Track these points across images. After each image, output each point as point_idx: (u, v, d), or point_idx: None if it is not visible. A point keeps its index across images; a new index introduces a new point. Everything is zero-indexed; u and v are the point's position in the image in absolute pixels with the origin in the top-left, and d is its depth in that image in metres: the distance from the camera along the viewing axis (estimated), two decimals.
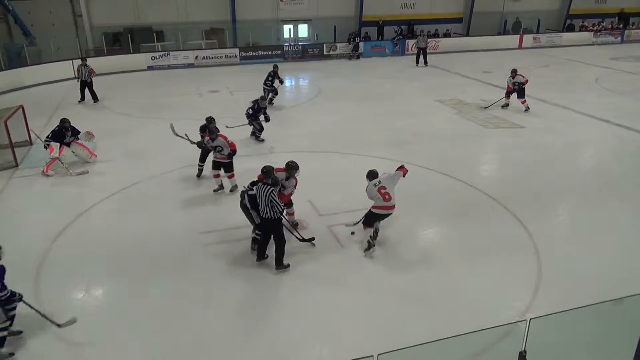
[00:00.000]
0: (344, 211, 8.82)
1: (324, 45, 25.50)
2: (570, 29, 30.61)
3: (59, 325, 5.86)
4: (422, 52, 23.08)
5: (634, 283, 6.50)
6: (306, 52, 25.19)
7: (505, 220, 8.54)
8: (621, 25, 31.56)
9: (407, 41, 26.58)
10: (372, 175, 7.87)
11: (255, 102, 12.58)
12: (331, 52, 25.44)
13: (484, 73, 21.15)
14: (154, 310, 6.35)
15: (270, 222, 6.96)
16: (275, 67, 16.14)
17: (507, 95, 15.32)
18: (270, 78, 15.88)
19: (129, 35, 23.07)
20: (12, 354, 5.65)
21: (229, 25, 25.60)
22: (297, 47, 25.34)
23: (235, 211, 8.65)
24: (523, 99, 15.11)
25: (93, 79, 16.69)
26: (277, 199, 6.87)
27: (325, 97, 17.61)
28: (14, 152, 11.07)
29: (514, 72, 15.16)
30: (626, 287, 6.10)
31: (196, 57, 23.43)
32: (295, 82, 21.85)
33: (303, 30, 27.76)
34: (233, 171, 9.71)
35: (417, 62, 23.25)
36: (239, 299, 6.62)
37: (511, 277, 6.96)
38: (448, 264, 7.32)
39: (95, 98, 16.82)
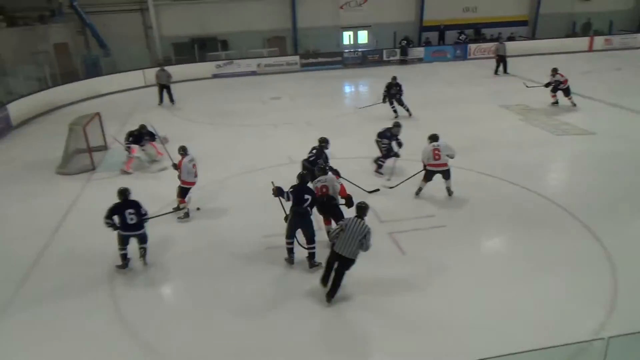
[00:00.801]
0: (406, 218, 8.76)
1: (384, 51, 25.41)
2: None
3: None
4: (502, 60, 21.37)
5: None
6: (366, 59, 25.21)
7: (577, 232, 8.14)
8: None
9: (469, 45, 25.97)
10: (433, 138, 9.45)
11: (388, 130, 11.07)
12: (391, 58, 25.30)
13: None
14: (220, 306, 6.58)
15: (346, 260, 6.42)
16: (394, 78, 15.61)
17: (552, 90, 15.61)
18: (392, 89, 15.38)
19: (196, 45, 24.00)
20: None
21: (290, 33, 26.10)
22: (356, 54, 25.40)
23: None
24: (569, 97, 15.45)
25: (170, 83, 18.01)
26: (371, 240, 6.42)
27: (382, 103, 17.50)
28: (91, 156, 11.81)
29: (554, 71, 15.54)
30: None
31: (258, 64, 24.03)
32: (355, 88, 21.90)
33: (363, 36, 27.82)
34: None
35: (497, 71, 21.40)
36: (299, 303, 6.71)
37: (584, 293, 6.61)
38: (513, 277, 7.06)
39: (172, 100, 18.11)
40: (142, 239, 7.54)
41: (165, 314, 6.66)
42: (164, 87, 18.06)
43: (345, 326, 6.25)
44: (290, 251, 7.53)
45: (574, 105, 15.43)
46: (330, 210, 7.88)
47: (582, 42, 27.00)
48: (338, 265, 6.49)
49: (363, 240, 6.30)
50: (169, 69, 18.79)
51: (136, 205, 7.38)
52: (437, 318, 6.21)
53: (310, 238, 7.42)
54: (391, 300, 6.63)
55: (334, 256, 6.50)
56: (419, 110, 15.87)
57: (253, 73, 23.84)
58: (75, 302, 6.85)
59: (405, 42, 25.66)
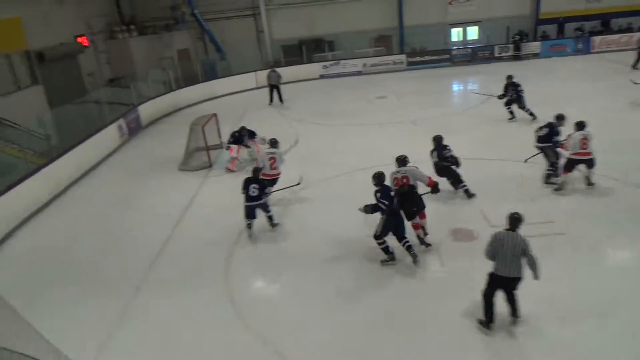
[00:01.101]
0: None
1: (495, 47, 24.23)
2: None
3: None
4: None
5: None
6: (475, 55, 24.23)
7: None
8: None
9: (592, 38, 23.87)
10: (581, 125, 9.19)
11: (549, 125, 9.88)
12: (503, 54, 24.05)
13: None
14: (324, 303, 6.75)
15: (514, 280, 5.81)
16: (509, 77, 14.60)
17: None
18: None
19: (303, 47, 24.72)
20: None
21: (396, 32, 25.89)
22: (465, 51, 24.50)
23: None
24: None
25: (280, 83, 18.92)
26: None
27: (495, 102, 16.68)
28: (209, 154, 12.68)
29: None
30: None
31: (364, 64, 24.15)
32: (464, 86, 21.14)
33: (472, 32, 26.78)
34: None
35: (636, 64, 19.44)
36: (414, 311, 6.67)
37: None
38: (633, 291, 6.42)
39: (282, 100, 19.05)
40: (264, 208, 8.88)
41: (274, 302, 7.00)
42: (274, 87, 18.89)
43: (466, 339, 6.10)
44: (387, 249, 7.53)
45: None
46: (414, 200, 7.85)
47: None
48: (507, 290, 5.87)
49: (526, 252, 5.73)
50: (279, 70, 19.59)
51: (260, 182, 8.79)
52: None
53: (402, 235, 7.43)
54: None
55: (497, 283, 5.83)
56: (537, 109, 14.90)
57: (359, 73, 24.01)
58: (193, 288, 7.43)
59: (518, 36, 24.23)
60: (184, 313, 6.87)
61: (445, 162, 9.39)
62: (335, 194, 10.36)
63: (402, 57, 24.34)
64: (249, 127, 12.43)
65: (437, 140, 9.60)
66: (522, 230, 7.82)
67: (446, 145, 9.53)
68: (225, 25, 26.49)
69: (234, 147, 12.29)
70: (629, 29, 24.38)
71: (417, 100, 18.06)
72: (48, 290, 7.74)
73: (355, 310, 6.59)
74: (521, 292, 5.92)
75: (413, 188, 7.89)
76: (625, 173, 9.78)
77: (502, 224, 8.19)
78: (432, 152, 9.60)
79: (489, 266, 5.97)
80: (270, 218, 9.03)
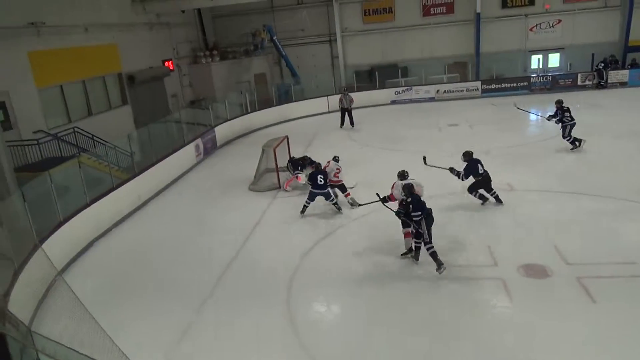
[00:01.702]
0: (598, 262, 7.80)
1: (579, 74, 23.10)
2: None
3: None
4: None
5: None
6: (556, 83, 23.19)
7: None
8: None
9: None
10: None
11: None
12: (587, 82, 22.87)
13: None
14: (380, 333, 6.64)
15: None
16: (559, 102, 14.17)
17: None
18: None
19: (376, 73, 24.89)
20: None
21: (472, 59, 25.44)
22: (545, 78, 23.57)
23: (471, 248, 8.52)
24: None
25: (352, 107, 19.17)
26: None
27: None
28: (278, 176, 13.00)
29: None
30: None
31: (437, 90, 23.87)
32: (542, 114, 20.25)
33: (554, 59, 25.74)
34: None
35: None
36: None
37: None
38: None
39: (352, 123, 19.26)
40: (327, 197, 10.70)
41: (334, 325, 6.98)
42: (345, 110, 19.14)
43: None
44: (418, 250, 8.17)
45: None
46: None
47: None
48: None
49: None
50: (352, 94, 19.83)
51: (325, 174, 10.68)
52: None
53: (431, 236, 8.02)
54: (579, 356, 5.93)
55: None
56: (616, 142, 14.02)
57: (431, 99, 23.75)
58: (256, 306, 7.58)
59: (602, 64, 22.98)
60: (246, 332, 7.01)
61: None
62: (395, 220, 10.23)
63: (477, 84, 23.80)
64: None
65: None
66: (602, 269, 7.35)
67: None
68: (301, 50, 27.33)
69: (301, 175, 12.46)
70: None
71: (491, 129, 17.55)
72: (122, 299, 8.21)
73: (415, 342, 6.42)
74: None
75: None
76: None
77: (577, 261, 7.84)
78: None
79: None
80: (335, 204, 10.82)
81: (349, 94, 19.63)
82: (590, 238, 8.66)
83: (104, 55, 17.64)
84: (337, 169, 11.22)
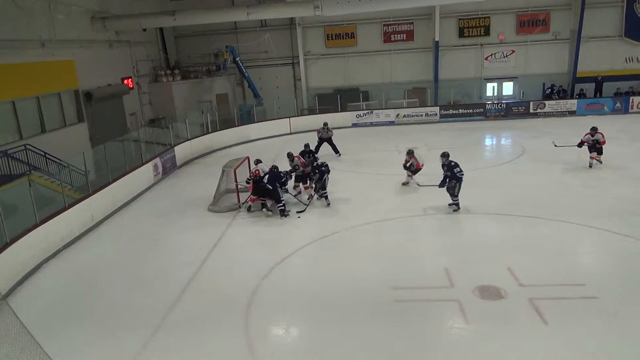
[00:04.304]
0: (550, 284, 8.02)
1: (531, 103, 24.15)
2: None
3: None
4: None
5: None
6: (510, 111, 24.15)
7: None
8: None
9: (631, 98, 23.53)
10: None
11: None
12: (538, 110, 23.92)
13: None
14: (339, 356, 6.57)
15: None
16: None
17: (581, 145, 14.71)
18: None
19: (338, 96, 25.24)
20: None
21: (431, 85, 26.21)
22: (500, 106, 24.51)
23: (428, 270, 8.63)
24: (596, 155, 14.54)
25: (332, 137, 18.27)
26: None
27: (530, 158, 16.52)
28: (238, 197, 12.88)
29: (594, 130, 14.44)
30: None
31: (397, 115, 24.40)
32: (497, 141, 21.02)
33: (508, 87, 26.84)
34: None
35: None
36: None
37: None
38: None
39: (338, 152, 18.28)
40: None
41: (292, 350, 6.86)
42: (324, 140, 18.21)
43: None
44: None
45: (590, 166, 14.51)
46: None
47: None
48: None
49: None
50: (313, 117, 19.81)
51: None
52: None
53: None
54: None
55: None
56: (568, 167, 14.65)
57: (391, 123, 24.23)
58: (213, 330, 7.39)
59: (549, 90, 24.30)
60: (202, 356, 6.81)
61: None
62: (362, 242, 10.31)
63: (436, 109, 24.50)
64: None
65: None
66: (553, 290, 7.58)
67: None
68: (264, 72, 27.45)
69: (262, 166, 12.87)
70: None
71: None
72: (70, 324, 7.83)
73: None
74: None
75: None
76: None
77: (530, 282, 8.06)
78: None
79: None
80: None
81: (327, 124, 18.48)
82: (543, 260, 8.92)
83: (60, 72, 17.15)
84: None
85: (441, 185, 11.77)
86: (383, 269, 8.97)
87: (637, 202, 11.46)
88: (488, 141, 21.10)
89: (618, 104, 23.50)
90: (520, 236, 10.10)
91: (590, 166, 14.50)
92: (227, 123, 22.08)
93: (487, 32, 26.20)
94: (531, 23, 25.81)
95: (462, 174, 11.44)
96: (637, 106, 23.08)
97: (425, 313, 7.49)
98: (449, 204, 11.58)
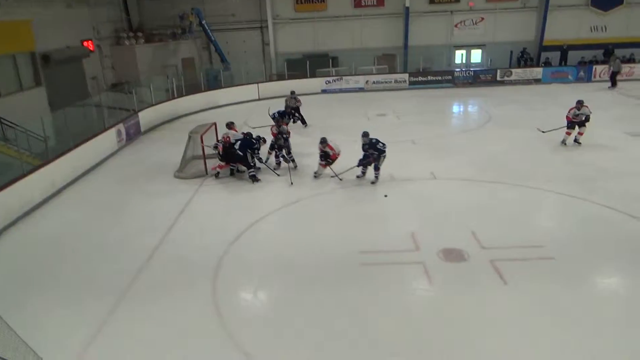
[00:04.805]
0: (510, 246, 8.28)
1: (498, 70, 24.39)
2: None
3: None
4: (614, 75, 22.12)
5: None
6: (478, 78, 24.37)
7: None
8: None
9: (594, 67, 24.04)
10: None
11: None
12: (505, 78, 24.20)
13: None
14: (306, 318, 6.69)
15: None
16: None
17: (570, 126, 13.63)
18: None
19: (307, 61, 24.90)
20: None
21: (400, 51, 26.09)
22: (468, 73, 24.68)
23: (395, 235, 8.75)
24: (579, 130, 13.61)
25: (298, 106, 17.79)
26: None
27: (495, 124, 16.79)
28: (205, 163, 12.69)
29: (579, 104, 13.45)
30: None
31: (367, 81, 24.29)
32: (464, 108, 21.24)
33: (476, 55, 27.00)
34: None
35: (613, 85, 22.10)
36: (387, 322, 6.61)
37: None
38: (625, 324, 6.36)
39: (305, 123, 17.87)
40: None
41: (260, 314, 6.93)
42: (293, 109, 17.78)
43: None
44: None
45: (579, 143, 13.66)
46: None
47: None
48: None
49: None
50: (281, 83, 19.55)
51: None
52: (531, 354, 5.78)
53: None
54: (490, 334, 6.28)
55: None
56: (531, 134, 14.94)
57: (361, 89, 24.14)
58: (180, 296, 7.37)
59: (521, 54, 25.34)
60: (169, 322, 6.79)
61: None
62: (330, 208, 10.37)
63: (405, 76, 24.49)
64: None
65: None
66: (513, 252, 7.84)
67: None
68: (231, 36, 26.75)
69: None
70: (630, 60, 24.56)
71: (417, 120, 18.13)
72: (34, 292, 7.68)
73: (338, 323, 6.51)
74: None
75: None
76: (623, 203, 9.74)
77: (491, 245, 8.30)
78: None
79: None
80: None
81: (295, 94, 18.06)
82: (505, 224, 9.19)
83: (15, 32, 16.22)
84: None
85: (359, 163, 11.49)
86: (350, 234, 9.06)
87: (597, 168, 11.85)
88: (456, 108, 21.32)
89: (582, 73, 23.99)
90: (484, 201, 10.34)
91: (564, 143, 13.70)
92: (193, 88, 21.54)
93: None
94: None
95: (385, 146, 11.16)
96: (600, 75, 23.58)
97: (390, 275, 7.64)
98: (372, 182, 11.45)
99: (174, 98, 20.19)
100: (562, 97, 20.91)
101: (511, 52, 25.54)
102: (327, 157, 11.79)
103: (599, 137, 14.27)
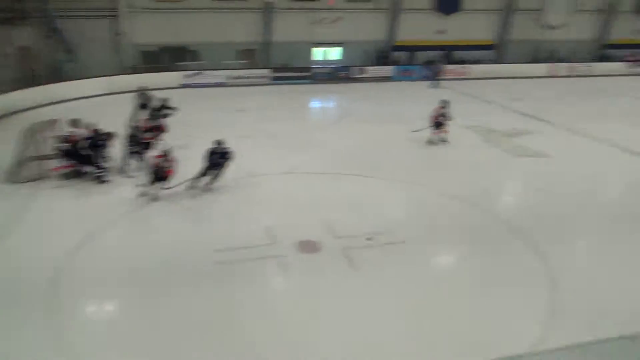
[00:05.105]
0: (362, 234, 8.77)
1: (354, 68, 25.68)
2: (605, 59, 29.88)
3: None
4: (435, 76, 24.31)
5: None
6: (336, 75, 25.42)
7: (523, 250, 8.36)
8: None
9: (438, 66, 26.51)
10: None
11: None
12: (360, 76, 25.59)
13: (513, 100, 20.81)
14: (159, 326, 6.41)
15: None
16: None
17: (437, 126, 14.17)
18: None
19: (166, 55, 23.74)
20: None
21: (262, 46, 26.13)
22: (327, 70, 25.61)
23: (250, 230, 8.76)
24: (441, 129, 14.27)
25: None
26: None
27: (352, 120, 17.66)
28: (44, 164, 11.44)
29: (444, 102, 14.34)
30: None
31: (228, 76, 23.93)
32: (323, 103, 22.02)
33: (335, 53, 28.06)
34: None
35: (431, 85, 23.99)
36: (245, 316, 6.62)
37: (524, 308, 6.80)
38: (457, 294, 7.19)
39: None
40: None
41: (102, 328, 6.47)
42: (143, 106, 16.97)
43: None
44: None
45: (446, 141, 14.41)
46: None
47: (544, 68, 27.94)
48: None
49: None
50: (136, 77, 18.35)
51: None
52: (373, 338, 6.22)
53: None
54: (342, 322, 6.61)
55: None
56: (381, 127, 15.99)
57: (222, 84, 23.72)
58: (14, 309, 6.58)
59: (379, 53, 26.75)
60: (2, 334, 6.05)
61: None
62: (182, 210, 10.03)
63: (266, 71, 24.61)
64: None
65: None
66: (360, 241, 8.23)
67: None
68: (79, 24, 24.38)
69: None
70: (463, 62, 27.59)
71: (277, 115, 18.31)
72: None
73: (199, 325, 6.35)
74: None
75: None
76: (452, 188, 10.88)
77: (344, 234, 8.73)
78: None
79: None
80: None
81: (146, 91, 16.26)
82: (358, 213, 9.73)
83: None
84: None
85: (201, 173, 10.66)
86: (204, 234, 8.90)
87: (435, 158, 13.11)
88: (315, 104, 22.00)
89: (427, 72, 26.20)
90: (339, 192, 10.82)
91: (432, 142, 14.22)
92: (33, 80, 19.30)
93: None
94: None
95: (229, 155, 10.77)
96: (440, 74, 26.03)
97: (246, 271, 7.66)
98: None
99: (7, 92, 17.88)
100: (410, 93, 22.78)
101: (367, 51, 26.99)
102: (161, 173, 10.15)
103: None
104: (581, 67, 28.39)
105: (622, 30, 30.43)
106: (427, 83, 24.06)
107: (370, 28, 27.63)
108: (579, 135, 15.60)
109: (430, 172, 12.04)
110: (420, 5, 27.64)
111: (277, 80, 24.47)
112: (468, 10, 27.92)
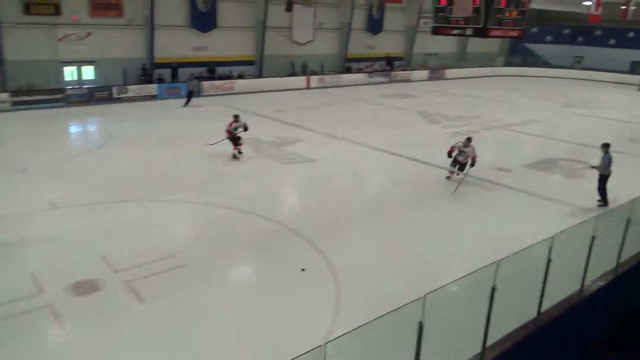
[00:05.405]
0: (144, 263, 8.27)
1: (114, 87, 24.00)
2: (348, 70, 34.46)
3: None
4: (191, 94, 23.62)
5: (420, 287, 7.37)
6: (93, 96, 23.34)
7: (304, 249, 9.00)
8: (388, 67, 36.66)
9: (202, 83, 26.65)
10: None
11: None
12: (122, 95, 24.07)
13: (278, 111, 22.31)
14: None
15: None
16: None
17: (235, 143, 14.53)
18: None
19: None
20: None
21: None
22: (82, 90, 23.33)
23: (10, 281, 7.50)
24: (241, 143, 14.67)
25: None
26: None
27: (116, 143, 16.45)
28: None
29: (236, 117, 14.64)
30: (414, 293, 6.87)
31: None
32: (82, 127, 20.02)
33: (88, 72, 25.67)
34: None
35: (187, 103, 23.27)
36: None
37: (313, 303, 7.32)
38: (249, 300, 7.39)
39: None
40: None
41: None
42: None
43: None
44: None
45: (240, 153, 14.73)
46: None
47: (301, 80, 30.72)
48: None
49: None
50: None
51: None
52: None
53: None
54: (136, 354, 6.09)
55: None
56: (153, 149, 15.38)
57: None
58: None
59: (142, 70, 25.57)
60: None
61: None
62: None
63: (5, 95, 21.14)
64: None
65: None
66: (148, 268, 7.84)
67: None
68: None
69: None
70: (229, 77, 28.41)
71: (26, 145, 15.90)
72: None
73: None
74: None
75: None
76: (228, 200, 11.11)
77: (125, 266, 8.08)
78: None
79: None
80: None
81: None
82: (137, 241, 9.12)
83: None
84: None
85: None
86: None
87: (210, 173, 13.19)
88: (72, 128, 19.81)
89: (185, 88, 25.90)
90: (112, 222, 10.00)
91: (235, 157, 14.31)
92: None
93: (57, 12, 24.05)
94: (105, 6, 25.31)
95: None
96: (208, 90, 26.31)
97: (12, 331, 6.45)
98: None
99: None
100: (177, 111, 22.37)
101: (126, 69, 25.49)
102: None
103: (210, 146, 15.76)
104: (330, 78, 32.10)
105: (358, 46, 35.47)
106: (183, 102, 23.50)
107: (126, 45, 26.21)
108: (337, 139, 17.60)
109: (207, 188, 12.03)
110: (176, 23, 27.43)
111: (20, 104, 21.26)
112: (224, 27, 28.79)
